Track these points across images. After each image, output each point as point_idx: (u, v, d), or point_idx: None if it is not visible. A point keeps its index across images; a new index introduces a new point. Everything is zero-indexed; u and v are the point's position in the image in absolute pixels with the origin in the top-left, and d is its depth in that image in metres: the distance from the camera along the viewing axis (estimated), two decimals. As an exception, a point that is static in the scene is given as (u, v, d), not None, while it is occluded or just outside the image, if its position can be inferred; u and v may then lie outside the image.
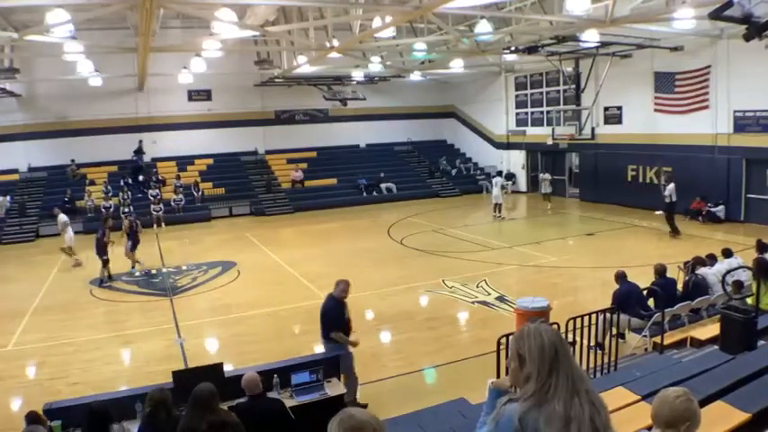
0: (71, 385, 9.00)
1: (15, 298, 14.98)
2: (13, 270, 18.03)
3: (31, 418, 5.69)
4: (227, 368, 7.11)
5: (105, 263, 15.85)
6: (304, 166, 30.94)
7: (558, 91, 27.45)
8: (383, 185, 30.30)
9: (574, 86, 24.77)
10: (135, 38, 18.54)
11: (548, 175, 26.60)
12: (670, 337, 8.23)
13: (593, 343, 8.00)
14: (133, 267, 16.94)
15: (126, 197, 25.33)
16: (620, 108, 24.59)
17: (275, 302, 13.42)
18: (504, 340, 6.54)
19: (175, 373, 6.59)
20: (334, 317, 7.76)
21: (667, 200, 18.52)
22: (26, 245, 22.65)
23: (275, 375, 6.76)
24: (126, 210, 24.26)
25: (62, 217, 18.61)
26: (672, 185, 18.51)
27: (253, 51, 25.10)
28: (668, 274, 9.76)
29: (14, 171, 27.10)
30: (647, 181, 23.28)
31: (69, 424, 6.07)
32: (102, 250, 15.76)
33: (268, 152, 31.60)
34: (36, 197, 25.83)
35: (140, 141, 28.50)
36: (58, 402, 6.49)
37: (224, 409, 5.05)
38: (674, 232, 18.41)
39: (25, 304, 13.96)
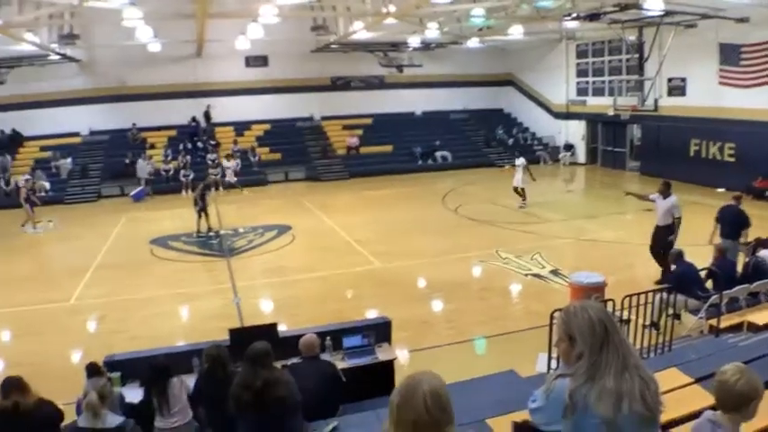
0: (130, 339, 9.29)
1: (78, 255, 15.66)
2: (76, 229, 18.75)
3: (92, 369, 5.84)
4: (280, 328, 7.29)
5: (199, 215, 17.36)
6: (359, 132, 30.98)
7: (621, 60, 26.44)
8: (438, 153, 30.07)
9: (637, 56, 23.87)
10: (193, 4, 18.75)
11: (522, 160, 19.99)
12: (726, 321, 7.99)
13: (648, 322, 7.87)
14: (29, 225, 18.54)
15: (185, 161, 25.96)
16: (683, 80, 23.46)
17: (328, 267, 13.60)
18: (557, 314, 6.49)
19: (232, 331, 6.77)
20: None
21: (661, 222, 11.82)
22: (88, 205, 23.58)
23: (327, 337, 6.88)
24: (187, 173, 25.01)
25: None
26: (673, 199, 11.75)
27: (309, 17, 25.05)
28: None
29: (76, 134, 27.99)
30: (710, 157, 22.39)
31: (128, 376, 6.32)
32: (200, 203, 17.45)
33: (324, 118, 31.69)
34: (98, 159, 26.75)
35: (208, 106, 29.09)
36: (118, 355, 6.74)
37: (278, 368, 5.17)
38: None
39: (88, 261, 14.55)
